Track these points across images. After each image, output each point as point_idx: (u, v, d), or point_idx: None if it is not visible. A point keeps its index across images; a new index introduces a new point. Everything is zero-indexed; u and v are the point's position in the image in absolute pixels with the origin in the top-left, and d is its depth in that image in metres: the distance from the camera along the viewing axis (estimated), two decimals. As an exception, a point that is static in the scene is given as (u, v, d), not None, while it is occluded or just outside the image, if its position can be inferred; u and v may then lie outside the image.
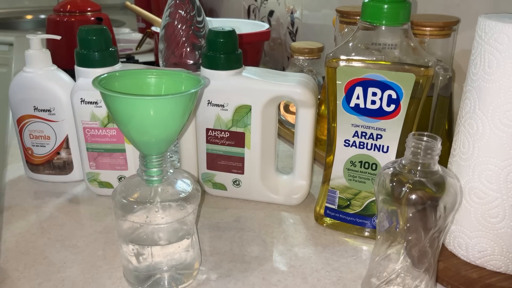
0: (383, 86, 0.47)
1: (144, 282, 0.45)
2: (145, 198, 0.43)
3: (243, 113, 0.57)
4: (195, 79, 0.43)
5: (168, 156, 0.44)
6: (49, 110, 0.61)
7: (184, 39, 0.62)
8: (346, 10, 0.68)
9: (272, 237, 0.55)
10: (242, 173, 0.60)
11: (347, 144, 0.52)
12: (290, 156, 0.75)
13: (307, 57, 0.80)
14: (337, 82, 0.49)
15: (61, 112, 0.61)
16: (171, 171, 0.44)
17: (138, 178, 0.44)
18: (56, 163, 0.64)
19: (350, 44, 0.49)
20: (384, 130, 0.49)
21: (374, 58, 0.48)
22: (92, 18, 1.10)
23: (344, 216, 0.55)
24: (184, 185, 0.45)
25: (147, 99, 0.39)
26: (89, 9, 1.10)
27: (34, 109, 0.61)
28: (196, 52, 0.63)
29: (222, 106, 0.57)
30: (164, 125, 0.40)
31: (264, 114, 0.57)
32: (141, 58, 1.26)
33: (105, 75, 0.42)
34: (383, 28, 0.47)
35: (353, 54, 0.48)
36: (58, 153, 0.64)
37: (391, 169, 0.41)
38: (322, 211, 0.56)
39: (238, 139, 0.59)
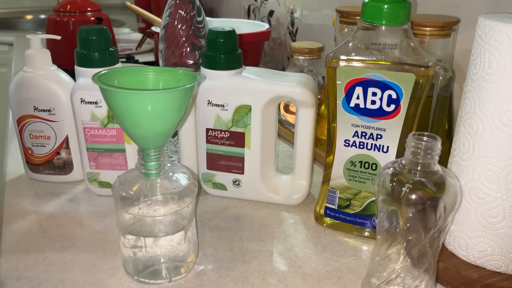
0: (383, 86, 0.47)
1: (141, 272, 0.46)
2: (143, 191, 0.44)
3: (243, 113, 0.57)
4: (191, 75, 0.44)
5: (166, 151, 0.45)
6: (49, 110, 0.61)
7: (184, 39, 0.62)
8: (346, 10, 0.68)
9: (272, 237, 0.55)
10: (242, 173, 0.60)
11: (347, 144, 0.52)
12: (290, 156, 0.75)
13: (307, 57, 0.80)
14: (337, 82, 0.49)
15: (61, 112, 0.61)
16: (168, 165, 0.45)
17: (136, 172, 0.45)
18: (56, 163, 0.64)
19: (350, 44, 0.49)
20: (384, 130, 0.49)
21: (374, 58, 0.48)
22: (92, 18, 1.10)
23: (344, 216, 0.55)
24: (181, 179, 0.46)
25: (143, 94, 0.40)
26: (89, 9, 1.10)
27: (34, 109, 0.61)
28: (196, 52, 0.63)
29: (222, 106, 0.57)
30: (160, 120, 0.41)
31: (264, 114, 0.57)
32: (141, 58, 1.26)
33: (105, 71, 0.43)
34: (383, 28, 0.47)
35: (353, 54, 0.48)
36: (58, 153, 0.64)
37: (391, 169, 0.41)
38: (322, 211, 0.56)
39: (238, 139, 0.59)
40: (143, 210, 0.44)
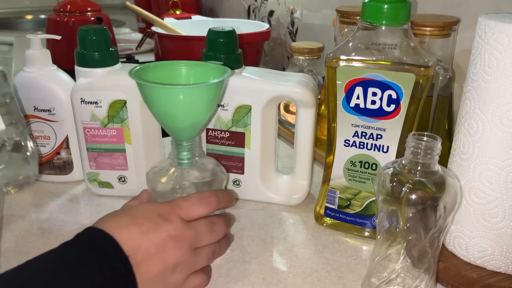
0: (383, 86, 0.47)
1: None
2: (175, 179, 0.47)
3: (243, 113, 0.57)
4: (221, 69, 0.46)
5: (197, 142, 0.48)
6: (49, 110, 0.61)
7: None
8: (346, 10, 0.68)
9: (272, 237, 0.55)
10: (242, 173, 0.60)
11: (347, 144, 0.52)
12: (290, 156, 0.75)
13: (307, 57, 0.80)
14: (337, 82, 0.49)
15: (61, 112, 0.61)
16: (199, 155, 0.48)
17: (169, 161, 0.48)
18: (56, 163, 0.64)
19: (350, 44, 0.49)
20: (384, 130, 0.49)
21: (374, 58, 0.48)
22: (92, 18, 1.09)
23: (344, 216, 0.55)
24: (211, 169, 0.48)
25: (177, 88, 0.42)
26: (89, 9, 1.10)
27: (34, 109, 0.61)
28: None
29: (222, 106, 0.57)
30: (192, 112, 0.44)
31: (264, 114, 0.57)
32: (141, 58, 1.26)
33: (139, 66, 0.45)
34: (383, 28, 0.47)
35: (353, 54, 0.48)
36: (58, 153, 0.64)
37: (391, 169, 0.41)
38: (322, 211, 0.56)
39: (238, 139, 0.59)
40: (172, 198, 0.46)
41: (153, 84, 0.42)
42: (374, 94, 0.48)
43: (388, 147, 0.50)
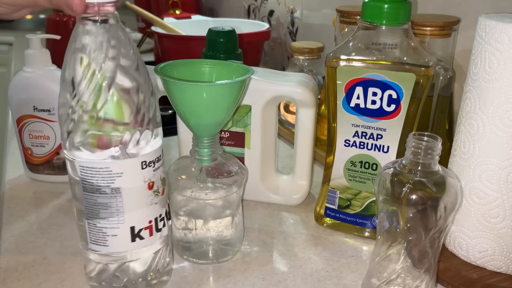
0: (384, 86, 0.47)
1: (189, 251, 0.50)
2: (195, 175, 0.47)
3: (243, 113, 0.57)
4: (244, 68, 0.46)
5: (218, 140, 0.48)
6: (48, 110, 0.61)
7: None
8: (346, 10, 0.68)
9: (272, 237, 0.55)
10: (242, 173, 0.60)
11: (347, 144, 0.52)
12: (290, 156, 0.75)
13: (307, 57, 0.80)
14: (337, 82, 0.49)
15: (61, 112, 0.61)
16: (219, 153, 0.48)
17: (191, 158, 0.48)
18: (56, 163, 0.64)
19: (350, 44, 0.49)
20: (385, 130, 0.49)
21: (375, 58, 0.48)
22: (92, 18, 1.09)
23: (344, 216, 0.55)
24: (231, 167, 0.49)
25: (202, 85, 0.43)
26: (89, 9, 1.10)
27: (34, 109, 0.61)
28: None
29: (222, 106, 0.57)
30: (214, 109, 0.44)
31: (264, 114, 0.57)
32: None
33: (164, 64, 0.46)
34: (383, 28, 0.46)
35: (353, 54, 0.48)
36: (58, 153, 0.64)
37: (392, 169, 0.41)
38: (322, 211, 0.56)
39: (238, 139, 0.58)
40: (195, 193, 0.47)
41: (179, 81, 0.43)
42: (374, 94, 0.48)
43: (388, 147, 0.50)
